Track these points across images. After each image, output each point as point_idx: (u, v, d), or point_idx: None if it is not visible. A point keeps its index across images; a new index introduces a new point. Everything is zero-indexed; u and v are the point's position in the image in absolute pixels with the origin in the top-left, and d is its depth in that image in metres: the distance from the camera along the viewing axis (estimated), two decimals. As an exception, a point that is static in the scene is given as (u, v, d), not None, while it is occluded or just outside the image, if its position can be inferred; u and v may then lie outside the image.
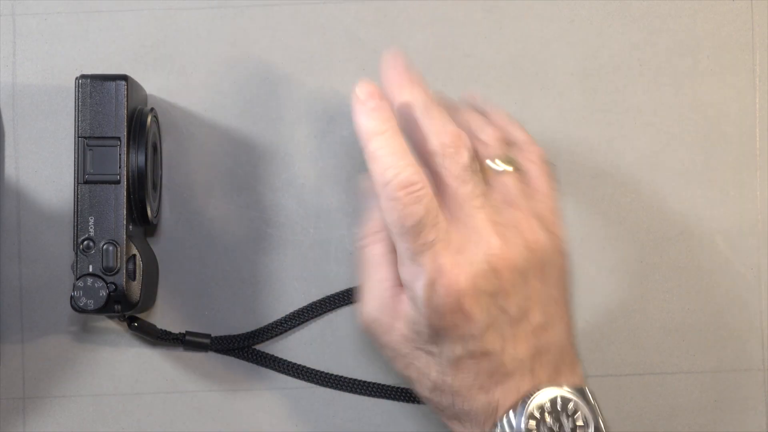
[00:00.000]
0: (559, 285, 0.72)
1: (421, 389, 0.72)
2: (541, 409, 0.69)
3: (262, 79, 0.80)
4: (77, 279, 0.71)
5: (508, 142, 0.74)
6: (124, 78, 0.73)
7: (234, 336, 0.79)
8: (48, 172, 0.79)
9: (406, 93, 0.70)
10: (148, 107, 0.77)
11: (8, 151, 0.79)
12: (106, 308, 0.71)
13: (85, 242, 0.72)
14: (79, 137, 0.72)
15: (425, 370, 0.70)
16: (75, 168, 0.72)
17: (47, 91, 0.79)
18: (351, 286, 0.80)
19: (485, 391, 0.69)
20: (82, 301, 0.71)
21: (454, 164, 0.69)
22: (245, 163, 0.80)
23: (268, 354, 0.80)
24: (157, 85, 0.79)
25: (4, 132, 0.79)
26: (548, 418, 0.69)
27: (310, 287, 0.80)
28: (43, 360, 0.79)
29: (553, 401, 0.69)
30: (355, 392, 0.80)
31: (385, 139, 0.68)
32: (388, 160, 0.68)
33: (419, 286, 0.68)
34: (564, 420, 0.69)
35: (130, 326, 0.77)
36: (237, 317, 0.80)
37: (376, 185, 0.69)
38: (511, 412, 0.69)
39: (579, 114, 0.80)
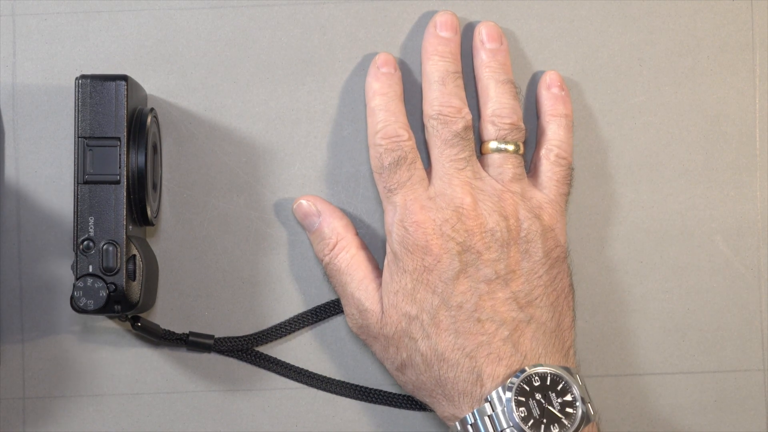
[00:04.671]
0: (550, 270, 0.74)
1: (414, 371, 0.74)
2: (530, 385, 0.70)
3: (262, 79, 0.80)
4: (77, 279, 0.71)
5: (542, 136, 0.78)
6: (124, 78, 0.73)
7: (237, 338, 0.79)
8: (48, 172, 0.79)
9: (433, 60, 0.77)
10: (148, 107, 0.77)
11: (8, 151, 0.79)
12: (106, 308, 0.71)
13: (85, 242, 0.72)
14: (79, 137, 0.72)
15: (412, 344, 0.73)
16: (75, 168, 0.72)
17: (47, 91, 0.79)
18: (351, 286, 0.80)
19: (468, 355, 0.71)
20: (82, 302, 0.71)
21: (446, 129, 0.75)
22: (245, 163, 0.80)
23: (270, 356, 0.79)
24: (157, 85, 0.79)
25: (4, 132, 0.79)
26: (537, 395, 0.70)
27: (310, 287, 0.80)
28: (43, 360, 0.79)
29: (543, 377, 0.70)
30: (357, 398, 0.80)
31: (385, 99, 0.77)
32: (382, 115, 0.76)
33: (392, 224, 0.75)
34: (552, 397, 0.71)
35: (133, 326, 0.76)
36: (237, 317, 0.79)
37: (369, 136, 0.77)
38: (500, 388, 0.70)
39: (579, 114, 0.80)
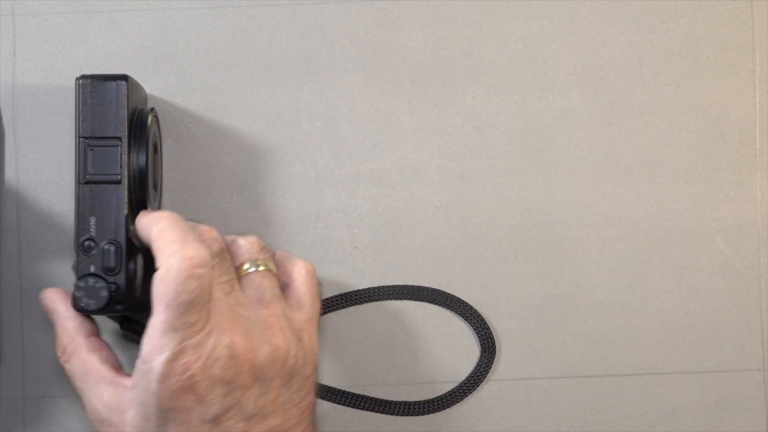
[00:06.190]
0: (304, 391, 0.71)
1: None
2: None
3: (262, 79, 0.80)
4: (78, 279, 0.71)
5: (273, 255, 0.74)
6: (125, 78, 0.73)
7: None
8: (48, 172, 0.79)
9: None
10: (148, 107, 0.77)
11: (8, 151, 0.79)
12: (107, 308, 0.71)
13: (87, 242, 0.72)
14: (80, 137, 0.72)
15: None
16: (76, 168, 0.72)
17: (47, 91, 0.79)
18: (351, 289, 0.80)
19: None
20: (84, 302, 0.71)
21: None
22: (245, 163, 0.80)
23: None
24: (157, 85, 0.79)
25: (4, 132, 0.79)
26: None
27: (311, 287, 0.80)
28: (43, 360, 0.79)
29: None
30: (346, 404, 0.79)
31: (174, 218, 0.69)
32: (177, 234, 0.68)
33: (159, 360, 0.67)
34: None
35: (121, 326, 0.76)
36: (237, 317, 0.79)
37: (159, 256, 0.68)
38: None
39: (579, 114, 0.80)
